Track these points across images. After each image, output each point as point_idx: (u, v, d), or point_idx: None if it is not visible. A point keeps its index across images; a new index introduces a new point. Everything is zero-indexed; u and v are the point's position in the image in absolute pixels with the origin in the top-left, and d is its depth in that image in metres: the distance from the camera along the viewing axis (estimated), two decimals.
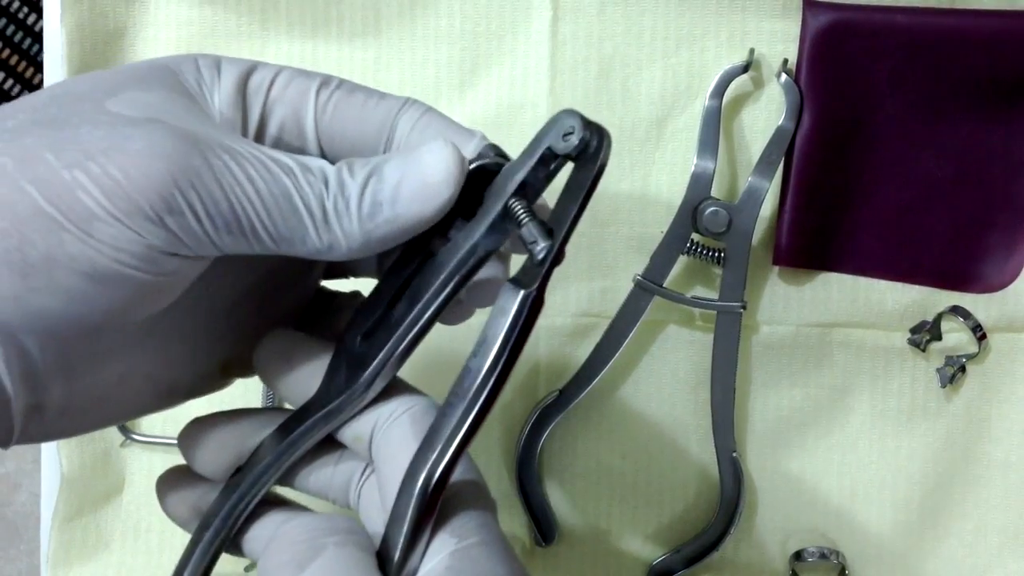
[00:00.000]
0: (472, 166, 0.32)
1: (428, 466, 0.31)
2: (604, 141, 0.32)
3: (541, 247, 0.31)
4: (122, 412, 0.35)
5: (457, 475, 0.32)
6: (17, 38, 1.45)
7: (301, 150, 0.33)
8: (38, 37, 1.42)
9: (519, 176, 0.32)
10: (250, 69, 0.33)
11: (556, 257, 0.31)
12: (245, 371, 0.37)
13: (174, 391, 0.36)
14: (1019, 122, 0.50)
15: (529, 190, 0.32)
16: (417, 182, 0.30)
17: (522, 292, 0.31)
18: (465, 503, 0.32)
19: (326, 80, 0.33)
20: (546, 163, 0.32)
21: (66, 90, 0.30)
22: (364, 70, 0.53)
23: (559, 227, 0.31)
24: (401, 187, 0.30)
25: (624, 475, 0.53)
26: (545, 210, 0.34)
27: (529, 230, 0.31)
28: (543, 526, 0.53)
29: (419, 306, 0.33)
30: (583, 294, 0.52)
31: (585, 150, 0.31)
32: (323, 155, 0.33)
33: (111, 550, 0.55)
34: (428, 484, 0.30)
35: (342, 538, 0.31)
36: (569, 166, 0.32)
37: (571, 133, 0.31)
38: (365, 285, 0.37)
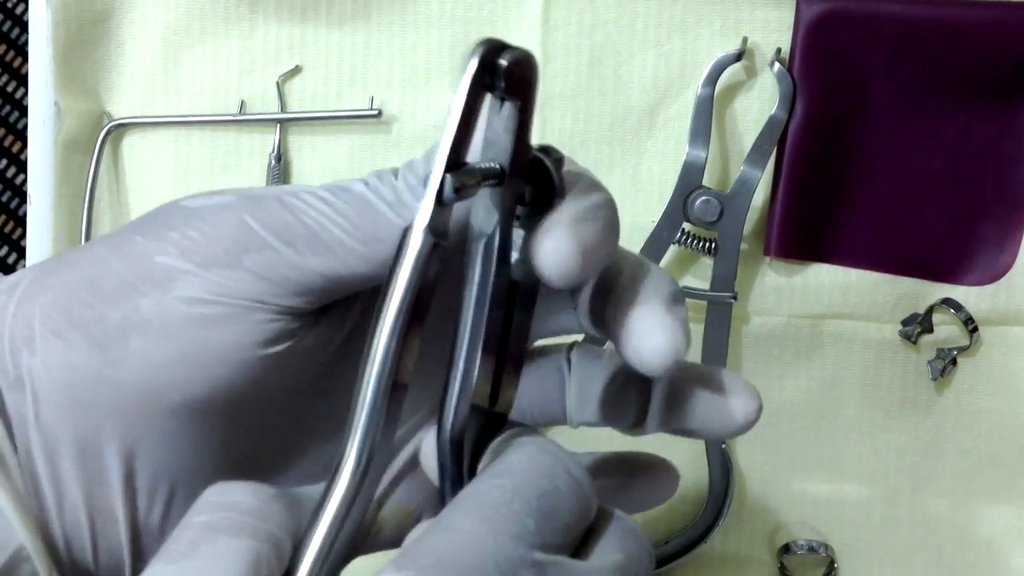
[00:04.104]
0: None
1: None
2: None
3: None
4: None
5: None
6: (5, 27, 1.45)
7: None
8: (25, 26, 1.42)
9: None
10: None
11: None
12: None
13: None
14: (1012, 115, 0.50)
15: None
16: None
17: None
18: None
19: None
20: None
21: None
22: (353, 55, 0.53)
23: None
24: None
25: None
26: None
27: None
28: None
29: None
30: None
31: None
32: None
33: None
34: None
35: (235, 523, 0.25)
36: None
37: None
38: None
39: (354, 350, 0.31)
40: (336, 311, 0.31)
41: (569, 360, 0.33)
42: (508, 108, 0.27)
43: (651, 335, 0.27)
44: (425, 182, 0.25)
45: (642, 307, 0.28)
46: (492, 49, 0.25)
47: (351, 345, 0.31)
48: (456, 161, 0.25)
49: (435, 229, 0.25)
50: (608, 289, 0.29)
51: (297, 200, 0.29)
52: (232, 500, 0.25)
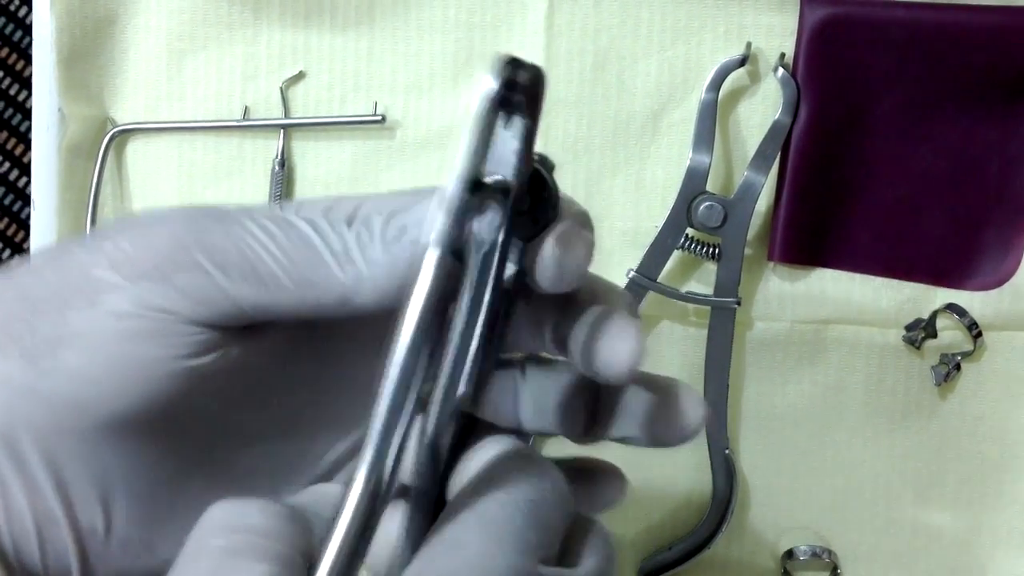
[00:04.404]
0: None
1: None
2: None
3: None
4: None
5: None
6: (8, 30, 1.45)
7: None
8: (29, 29, 1.42)
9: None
10: None
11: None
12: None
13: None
14: (1015, 119, 0.50)
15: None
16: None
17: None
18: None
19: None
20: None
21: None
22: (357, 61, 0.53)
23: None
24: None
25: None
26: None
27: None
28: None
29: None
30: None
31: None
32: None
33: None
34: None
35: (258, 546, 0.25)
36: None
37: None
38: None
39: (297, 357, 0.31)
40: (269, 324, 0.30)
41: (523, 372, 0.33)
42: (517, 123, 0.26)
43: (614, 343, 0.28)
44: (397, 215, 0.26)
45: (605, 317, 0.29)
46: (511, 66, 0.25)
47: (293, 352, 0.31)
48: (471, 178, 0.25)
49: (451, 247, 0.25)
50: (574, 303, 0.30)
51: (239, 227, 0.28)
52: (246, 522, 0.25)
